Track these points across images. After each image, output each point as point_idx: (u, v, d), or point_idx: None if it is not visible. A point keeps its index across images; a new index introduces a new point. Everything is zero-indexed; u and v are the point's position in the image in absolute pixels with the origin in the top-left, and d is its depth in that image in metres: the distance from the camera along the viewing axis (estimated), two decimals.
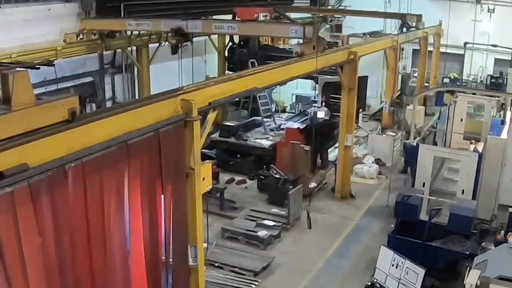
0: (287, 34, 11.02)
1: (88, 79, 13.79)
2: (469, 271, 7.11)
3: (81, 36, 13.51)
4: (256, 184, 14.20)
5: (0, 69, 4.90)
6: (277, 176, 13.36)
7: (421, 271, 8.75)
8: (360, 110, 18.11)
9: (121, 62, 15.59)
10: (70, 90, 13.16)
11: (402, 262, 9.07)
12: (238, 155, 15.31)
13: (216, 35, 18.07)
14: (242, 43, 15.08)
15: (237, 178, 14.51)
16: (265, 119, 17.36)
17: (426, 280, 8.87)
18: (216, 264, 10.36)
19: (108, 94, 15.04)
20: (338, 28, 24.73)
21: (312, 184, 13.98)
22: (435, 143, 15.19)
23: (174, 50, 13.74)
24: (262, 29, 12.01)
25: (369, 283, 9.56)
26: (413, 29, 18.67)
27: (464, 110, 14.75)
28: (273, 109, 20.39)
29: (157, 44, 16.09)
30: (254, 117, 17.95)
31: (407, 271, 9.01)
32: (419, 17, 19.16)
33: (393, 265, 9.26)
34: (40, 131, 4.99)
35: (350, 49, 13.01)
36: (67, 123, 5.21)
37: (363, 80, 18.34)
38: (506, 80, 20.53)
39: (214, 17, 18.36)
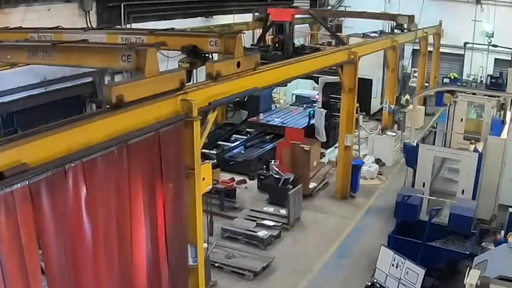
0: (206, 47, 8.23)
1: (88, 79, 13.77)
2: (469, 271, 7.10)
3: None
4: (256, 184, 14.20)
5: (132, 46, 6.65)
6: (277, 176, 13.36)
7: (421, 271, 8.75)
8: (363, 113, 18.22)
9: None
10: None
11: (402, 262, 9.07)
12: None
13: None
14: (276, 45, 14.52)
15: (237, 178, 14.51)
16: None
17: (426, 280, 8.86)
18: (216, 264, 10.35)
19: None
20: (338, 28, 24.75)
21: (312, 184, 14.01)
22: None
23: (188, 78, 10.13)
24: (176, 41, 8.55)
25: (369, 283, 9.56)
26: (406, 31, 18.63)
27: (464, 110, 14.75)
28: (273, 108, 20.43)
29: None
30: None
31: (407, 271, 9.00)
32: (411, 17, 19.07)
33: (393, 265, 9.26)
34: (40, 130, 5.01)
35: (350, 49, 13.02)
36: (177, 90, 6.70)
37: (367, 83, 18.47)
38: (506, 80, 20.51)
39: (214, 17, 18.41)
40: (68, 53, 7.34)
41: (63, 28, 11.04)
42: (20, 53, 7.83)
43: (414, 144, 11.57)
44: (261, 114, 18.50)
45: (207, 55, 8.42)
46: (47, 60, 7.51)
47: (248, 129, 17.85)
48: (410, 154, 11.47)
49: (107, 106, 5.94)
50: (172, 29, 9.80)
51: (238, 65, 8.10)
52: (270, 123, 18.02)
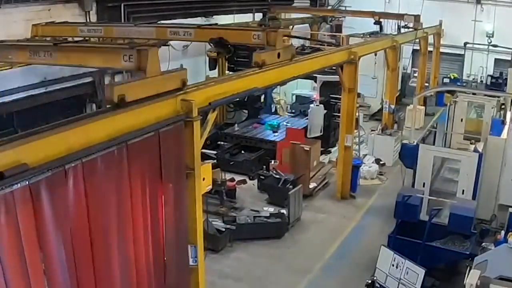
0: (249, 40, 9.87)
1: (88, 79, 13.76)
2: (469, 271, 7.10)
3: None
4: (256, 184, 14.20)
5: (133, 45, 6.68)
6: (277, 176, 13.36)
7: (421, 271, 8.75)
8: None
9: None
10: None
11: (402, 262, 9.07)
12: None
13: None
14: None
15: (237, 178, 14.51)
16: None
17: (426, 280, 8.86)
18: None
19: None
20: (338, 28, 24.78)
21: (312, 184, 14.01)
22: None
23: (213, 65, 12.10)
24: (220, 35, 10.54)
25: (369, 281, 9.55)
26: (411, 29, 18.71)
27: (464, 110, 14.75)
28: (273, 109, 20.43)
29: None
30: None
31: (407, 271, 9.00)
32: (417, 17, 19.19)
33: (393, 265, 9.26)
34: (40, 130, 5.01)
35: (350, 49, 13.02)
36: (179, 90, 6.75)
37: None
38: (506, 80, 20.51)
39: (214, 17, 18.40)
40: (70, 53, 7.40)
41: (112, 23, 11.48)
42: (22, 53, 7.97)
43: (414, 144, 11.56)
44: (235, 124, 17.22)
45: (230, 45, 9.99)
46: (49, 60, 7.62)
47: (221, 142, 16.15)
48: (410, 154, 11.46)
49: (108, 106, 6.00)
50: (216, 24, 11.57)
51: (279, 55, 9.26)
52: (246, 134, 16.54)
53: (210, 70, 13.12)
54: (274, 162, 14.04)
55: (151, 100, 6.33)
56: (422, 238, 9.63)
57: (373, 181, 15.13)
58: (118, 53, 6.72)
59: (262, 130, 17.16)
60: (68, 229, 5.25)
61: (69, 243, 5.26)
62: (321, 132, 15.51)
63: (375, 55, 17.31)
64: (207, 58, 18.90)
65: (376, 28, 21.35)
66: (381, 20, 20.12)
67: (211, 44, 10.40)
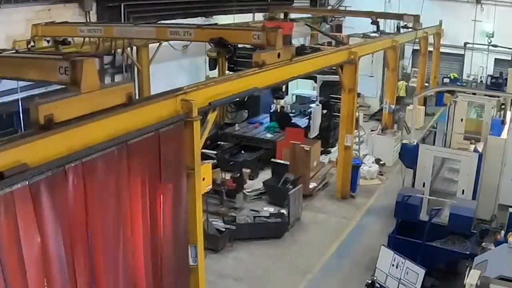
0: (249, 40, 9.82)
1: None
2: (469, 271, 7.10)
3: (32, 44, 12.03)
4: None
5: (68, 57, 5.80)
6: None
7: (421, 271, 8.75)
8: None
9: (121, 63, 15.60)
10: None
11: (402, 262, 9.07)
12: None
13: None
14: None
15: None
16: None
17: (426, 280, 8.86)
18: None
19: None
20: (338, 28, 24.79)
21: (312, 184, 14.01)
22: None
23: (213, 65, 11.85)
24: (221, 35, 10.31)
25: (369, 281, 9.55)
26: (411, 29, 18.73)
27: (464, 110, 14.75)
28: (273, 109, 20.42)
29: (157, 44, 16.10)
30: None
31: (407, 271, 9.00)
32: (416, 17, 19.19)
33: (393, 265, 9.26)
34: (41, 130, 5.01)
35: (350, 49, 13.02)
36: (124, 106, 5.94)
37: None
38: (506, 80, 20.52)
39: (214, 17, 18.41)
40: (6, 66, 6.71)
41: (112, 23, 11.34)
42: None
43: (414, 144, 11.56)
44: (236, 124, 17.27)
45: (230, 45, 9.90)
46: None
47: (222, 142, 16.14)
48: (409, 154, 11.46)
49: (36, 128, 5.12)
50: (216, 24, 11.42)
51: (279, 55, 9.24)
52: (246, 134, 16.57)
53: (210, 70, 13.13)
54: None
55: (87, 119, 5.49)
56: (422, 238, 9.63)
57: (373, 181, 15.13)
58: (54, 65, 5.86)
59: (262, 130, 17.16)
60: (68, 229, 5.24)
61: (68, 242, 5.26)
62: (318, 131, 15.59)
63: (372, 54, 17.34)
64: (207, 58, 18.97)
65: (373, 28, 21.36)
66: (378, 20, 20.09)
67: (211, 44, 10.37)
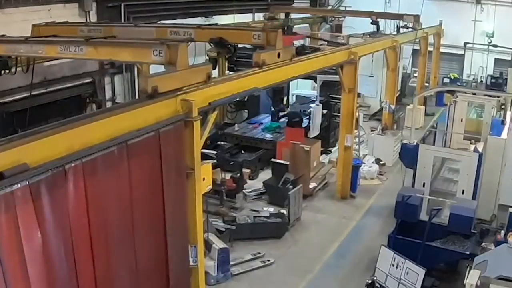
0: (249, 40, 9.94)
1: (88, 79, 13.77)
2: (469, 271, 7.11)
3: None
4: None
5: (164, 41, 7.08)
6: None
7: (421, 271, 8.75)
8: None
9: (121, 62, 15.59)
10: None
11: (402, 262, 9.07)
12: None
13: None
14: None
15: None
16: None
17: (426, 280, 8.86)
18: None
19: (108, 94, 15.02)
20: (338, 28, 24.78)
21: (312, 184, 14.00)
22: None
23: (214, 65, 12.39)
24: (220, 35, 10.54)
25: (369, 281, 9.55)
26: (411, 29, 18.74)
27: (464, 110, 14.76)
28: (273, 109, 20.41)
29: None
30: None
31: (407, 271, 9.00)
32: (416, 17, 19.18)
33: (393, 265, 9.26)
34: (40, 130, 5.01)
35: (350, 49, 13.02)
36: (204, 83, 7.30)
37: None
38: (506, 80, 20.52)
39: (214, 17, 18.40)
40: (100, 48, 7.68)
41: (112, 23, 11.38)
42: (52, 47, 8.21)
43: (414, 144, 11.57)
44: (235, 124, 17.23)
45: (231, 45, 10.12)
46: (79, 54, 7.89)
47: (222, 142, 16.14)
48: (409, 155, 11.47)
49: (144, 96, 6.40)
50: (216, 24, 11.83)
51: (279, 55, 9.32)
52: (246, 134, 16.55)
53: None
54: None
55: (180, 91, 6.77)
56: (422, 238, 9.64)
57: (373, 181, 15.12)
58: (148, 48, 7.05)
59: (261, 130, 17.17)
60: (68, 229, 5.25)
61: (69, 242, 5.26)
62: (318, 131, 15.57)
63: (372, 54, 17.35)
64: (207, 58, 18.97)
65: (373, 28, 21.37)
66: (378, 20, 20.12)
67: (211, 44, 10.39)
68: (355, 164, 13.93)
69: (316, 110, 15.82)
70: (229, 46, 10.36)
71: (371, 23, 20.02)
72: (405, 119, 19.13)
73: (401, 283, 9.00)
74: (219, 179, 12.54)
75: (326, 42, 20.12)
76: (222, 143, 16.11)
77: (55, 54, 8.38)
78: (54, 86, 12.67)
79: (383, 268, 9.40)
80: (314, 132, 15.63)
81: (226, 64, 16.77)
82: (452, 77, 24.55)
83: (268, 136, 16.50)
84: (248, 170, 14.34)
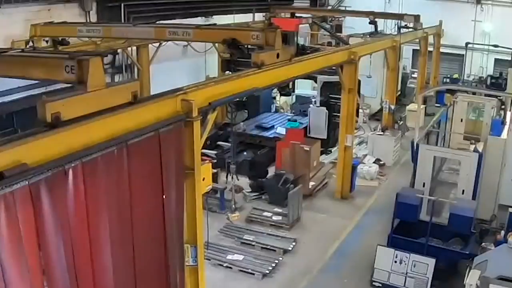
0: (248, 40, 9.74)
1: None
2: (469, 271, 7.12)
3: (30, 44, 11.93)
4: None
5: (74, 56, 5.76)
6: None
7: (431, 261, 8.78)
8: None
9: (121, 62, 15.60)
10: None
11: (406, 257, 9.12)
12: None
13: None
14: None
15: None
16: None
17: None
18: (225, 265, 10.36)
19: None
20: (338, 28, 24.79)
21: (312, 184, 14.00)
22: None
23: (227, 66, 11.94)
24: (220, 35, 10.45)
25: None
26: (411, 29, 18.75)
27: (464, 110, 14.77)
28: (273, 109, 20.45)
29: (157, 44, 16.11)
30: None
31: (414, 264, 9.05)
32: (417, 17, 19.20)
33: (395, 262, 9.29)
34: (40, 130, 5.01)
35: (350, 49, 13.02)
36: (130, 104, 6.00)
37: None
38: (506, 80, 20.51)
39: (214, 17, 18.42)
40: (12, 65, 6.75)
41: (111, 23, 11.21)
42: None
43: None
44: (240, 123, 17.31)
45: (243, 47, 9.76)
46: None
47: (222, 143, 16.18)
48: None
49: (43, 126, 5.16)
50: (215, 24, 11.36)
51: (278, 56, 9.20)
52: (249, 132, 16.84)
53: (222, 71, 13.03)
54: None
55: (95, 117, 5.55)
56: (419, 237, 9.65)
57: (373, 181, 15.12)
58: (60, 64, 5.87)
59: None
60: (68, 229, 5.24)
61: (69, 242, 5.26)
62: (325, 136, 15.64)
63: (370, 55, 17.35)
64: (207, 58, 19.01)
65: (372, 28, 21.38)
66: (376, 20, 20.10)
67: (215, 45, 10.33)
68: (353, 164, 13.94)
69: (316, 112, 15.84)
70: (241, 47, 10.01)
71: (369, 23, 20.01)
72: (406, 119, 19.14)
73: (409, 276, 9.01)
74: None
75: (328, 34, 20.18)
76: (222, 143, 16.13)
77: None
78: (54, 86, 12.66)
79: (383, 267, 9.41)
80: (317, 134, 15.71)
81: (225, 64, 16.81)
82: (453, 77, 24.55)
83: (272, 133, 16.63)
84: None
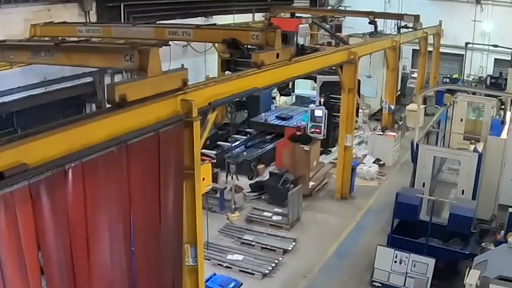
0: (248, 40, 9.80)
1: (88, 79, 13.77)
2: (469, 271, 7.12)
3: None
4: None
5: (135, 46, 6.57)
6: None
7: (431, 261, 8.78)
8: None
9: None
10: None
11: (406, 257, 9.12)
12: None
13: None
14: None
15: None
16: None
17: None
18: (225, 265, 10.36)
19: None
20: (338, 28, 24.79)
21: (312, 184, 14.00)
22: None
23: (226, 66, 12.09)
24: (220, 35, 10.54)
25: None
26: (411, 29, 18.76)
27: (464, 110, 14.77)
28: (273, 108, 20.42)
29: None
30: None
31: (414, 264, 9.06)
32: (416, 17, 19.21)
33: (395, 262, 9.29)
34: (40, 130, 5.02)
35: (350, 49, 13.02)
36: (180, 90, 6.75)
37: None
38: (506, 80, 20.51)
39: (214, 17, 18.41)
40: (71, 53, 7.36)
41: (111, 23, 11.26)
42: (23, 53, 7.94)
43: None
44: (262, 114, 18.56)
45: (243, 46, 9.82)
46: (50, 60, 7.56)
47: (248, 129, 17.89)
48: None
49: (109, 106, 5.91)
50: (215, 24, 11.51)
51: (278, 56, 9.21)
52: (271, 122, 18.07)
53: (222, 71, 13.02)
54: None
55: (152, 99, 6.29)
56: (420, 237, 9.65)
57: (373, 181, 15.13)
58: (119, 53, 6.65)
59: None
60: (67, 229, 5.24)
61: (68, 242, 5.25)
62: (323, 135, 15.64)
63: (370, 55, 17.38)
64: (207, 58, 19.01)
65: (371, 28, 21.39)
66: (375, 20, 20.12)
67: (215, 46, 10.35)
68: (352, 165, 13.94)
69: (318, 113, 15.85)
70: (241, 47, 10.07)
71: (369, 23, 20.03)
72: (406, 119, 19.14)
73: (409, 276, 9.02)
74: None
75: (328, 34, 20.17)
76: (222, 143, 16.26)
77: (26, 59, 8.10)
78: (54, 86, 12.66)
79: (383, 267, 9.41)
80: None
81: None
82: (454, 77, 24.56)
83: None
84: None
